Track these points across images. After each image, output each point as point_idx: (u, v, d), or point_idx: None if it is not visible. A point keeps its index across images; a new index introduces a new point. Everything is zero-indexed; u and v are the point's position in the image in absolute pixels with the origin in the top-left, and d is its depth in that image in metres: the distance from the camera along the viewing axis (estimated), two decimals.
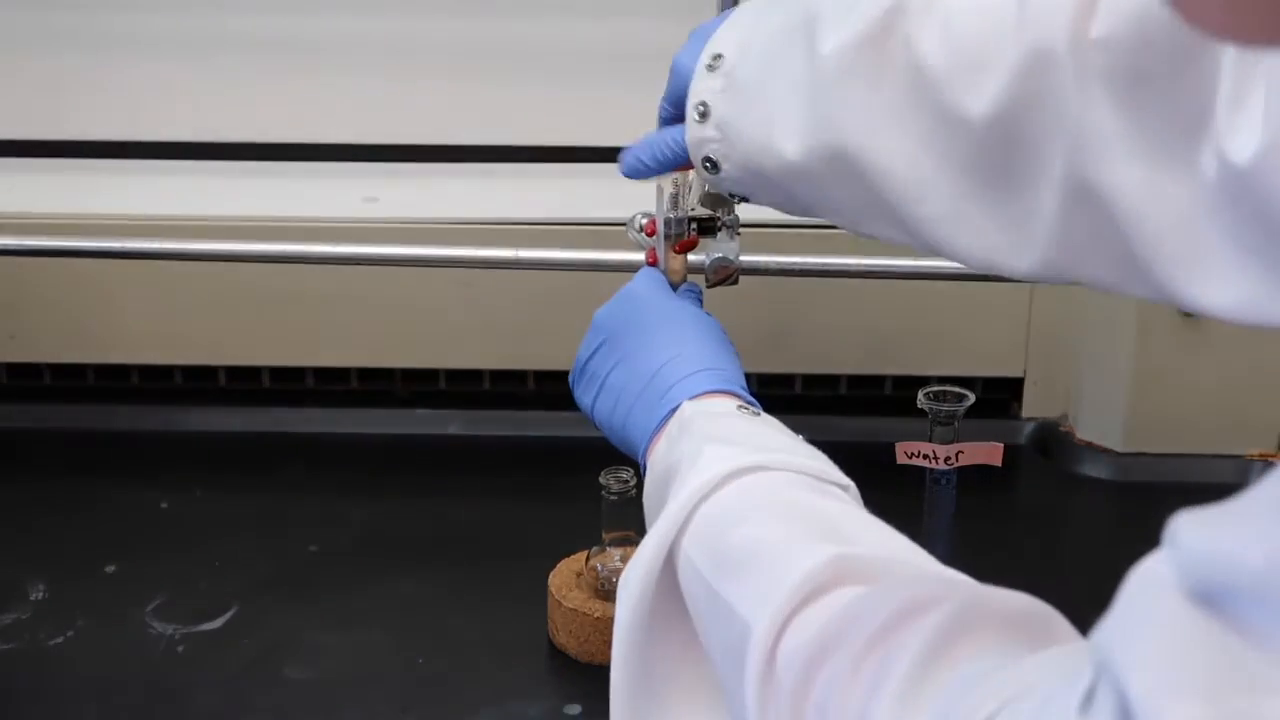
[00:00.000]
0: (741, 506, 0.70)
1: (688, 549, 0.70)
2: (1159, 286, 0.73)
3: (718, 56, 0.87)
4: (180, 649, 1.05)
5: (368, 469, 1.30)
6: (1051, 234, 0.76)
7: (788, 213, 0.90)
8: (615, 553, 1.05)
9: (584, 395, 0.89)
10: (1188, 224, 0.71)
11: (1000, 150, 0.76)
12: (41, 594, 1.11)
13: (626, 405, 0.84)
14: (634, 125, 1.28)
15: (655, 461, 0.80)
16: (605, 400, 0.86)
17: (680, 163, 0.90)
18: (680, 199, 0.95)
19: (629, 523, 1.04)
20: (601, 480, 1.03)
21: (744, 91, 0.85)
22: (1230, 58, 0.68)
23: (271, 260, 1.18)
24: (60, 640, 1.05)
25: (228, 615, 1.08)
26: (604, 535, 1.05)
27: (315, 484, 1.28)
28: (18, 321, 1.34)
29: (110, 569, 1.14)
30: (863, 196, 0.82)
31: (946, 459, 1.04)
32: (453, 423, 1.36)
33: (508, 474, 1.30)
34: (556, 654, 1.05)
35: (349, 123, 1.37)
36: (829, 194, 0.84)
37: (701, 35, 0.89)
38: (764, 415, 0.80)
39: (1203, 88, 0.68)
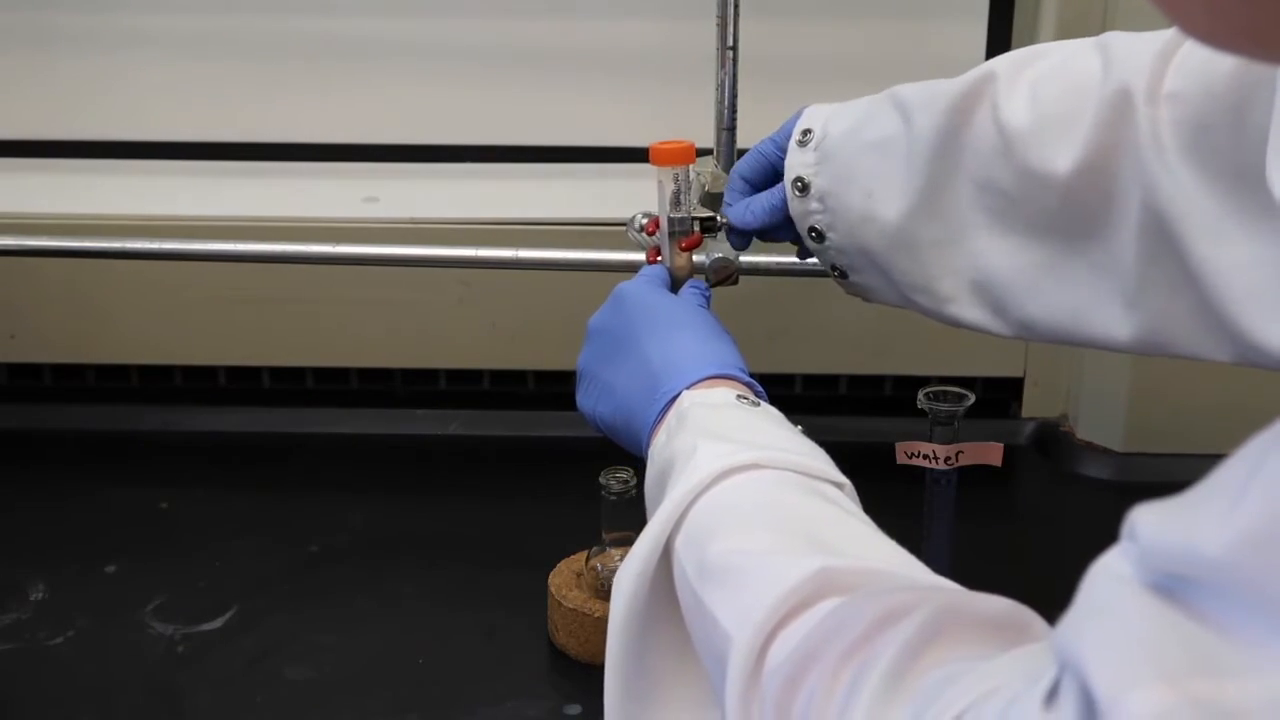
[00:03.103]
0: (731, 509, 0.70)
1: (679, 550, 0.70)
2: (1236, 332, 0.76)
3: (807, 132, 0.92)
4: (180, 649, 1.05)
5: (368, 469, 1.30)
6: (1131, 283, 0.81)
7: (887, 299, 0.94)
8: (615, 553, 1.05)
9: (586, 400, 0.89)
10: (1257, 264, 0.75)
11: (1083, 201, 0.81)
12: (41, 594, 1.11)
13: (627, 403, 0.85)
14: (634, 125, 1.28)
15: (655, 454, 0.80)
16: (606, 402, 0.87)
17: (783, 220, 0.94)
18: (681, 196, 0.94)
19: (629, 523, 1.04)
20: (601, 480, 1.03)
21: (838, 163, 0.91)
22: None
23: (271, 260, 1.18)
24: (60, 640, 1.05)
25: (228, 615, 1.08)
26: (604, 535, 1.05)
27: (315, 484, 1.28)
28: (18, 321, 1.34)
29: (110, 569, 1.14)
30: (953, 264, 0.88)
31: (946, 459, 1.04)
32: (453, 423, 1.36)
33: (508, 474, 1.30)
34: (556, 654, 1.05)
35: (349, 123, 1.37)
36: (927, 263, 0.89)
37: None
38: (764, 405, 0.81)
39: (1261, 134, 0.72)
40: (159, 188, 1.35)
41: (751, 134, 1.02)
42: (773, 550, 0.65)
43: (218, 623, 1.08)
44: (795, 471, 0.72)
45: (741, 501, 0.71)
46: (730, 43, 1.04)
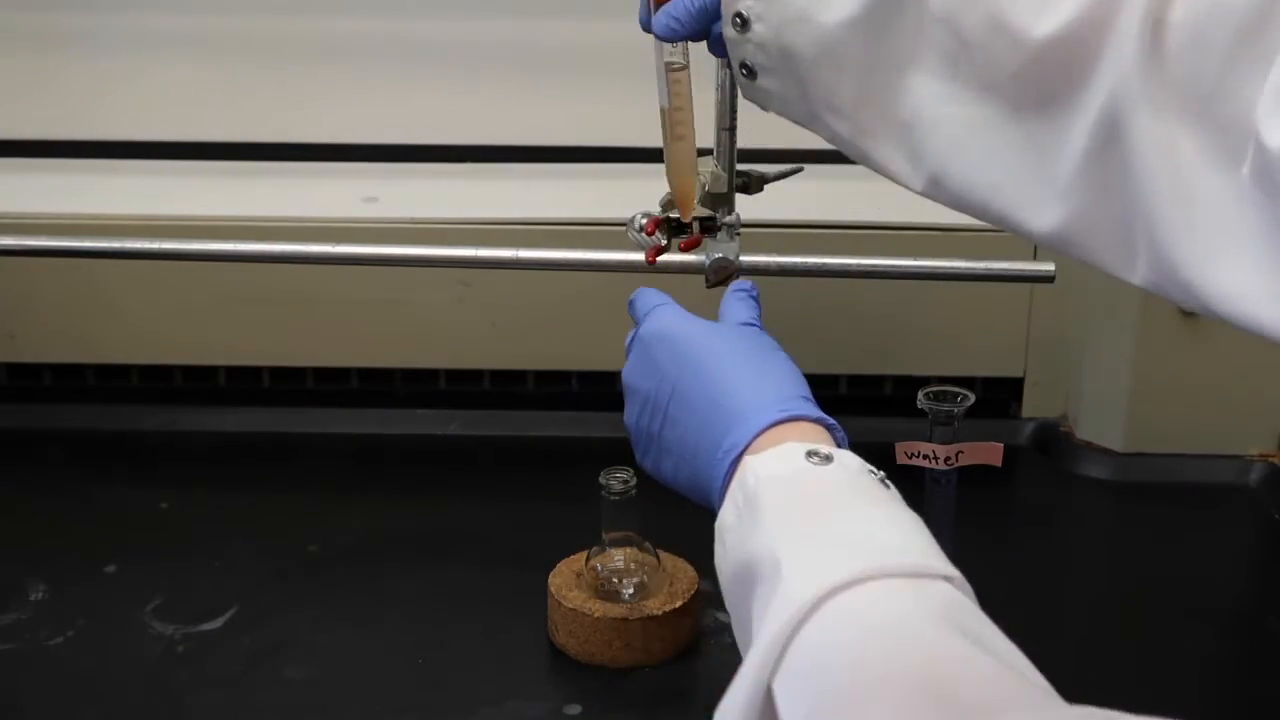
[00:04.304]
0: (841, 649, 0.61)
1: (782, 698, 0.62)
2: (1161, 261, 0.71)
3: None
4: (180, 649, 1.05)
5: (368, 469, 1.30)
6: (1068, 172, 0.74)
7: (791, 113, 0.86)
8: (615, 553, 1.05)
9: (645, 460, 0.83)
10: (1208, 200, 0.69)
11: (1047, 75, 0.74)
12: (41, 594, 1.11)
13: (687, 464, 0.78)
14: (634, 125, 1.28)
15: (726, 536, 0.72)
16: (666, 462, 0.81)
17: (713, 18, 0.85)
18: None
19: (629, 523, 1.04)
20: (601, 480, 1.03)
21: None
22: None
23: (271, 260, 1.18)
24: (60, 640, 1.05)
25: (228, 615, 1.08)
26: (604, 535, 1.05)
27: (315, 484, 1.28)
28: (18, 321, 1.34)
29: (110, 569, 1.14)
30: (881, 95, 0.80)
31: (946, 459, 1.04)
32: (453, 423, 1.36)
33: (508, 474, 1.30)
34: (556, 654, 1.05)
35: (349, 123, 1.37)
36: (852, 85, 0.81)
37: None
38: (838, 458, 0.72)
39: (1255, 69, 0.67)
40: (159, 188, 1.35)
41: (752, 134, 1.02)
42: (895, 709, 0.57)
43: (218, 623, 1.08)
44: (903, 576, 0.64)
45: (851, 639, 0.62)
46: None
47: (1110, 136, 0.72)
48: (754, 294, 0.88)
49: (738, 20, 0.83)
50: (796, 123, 0.86)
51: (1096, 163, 0.73)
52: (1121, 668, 1.03)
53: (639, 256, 0.99)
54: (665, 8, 0.87)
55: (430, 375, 1.37)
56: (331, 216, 1.29)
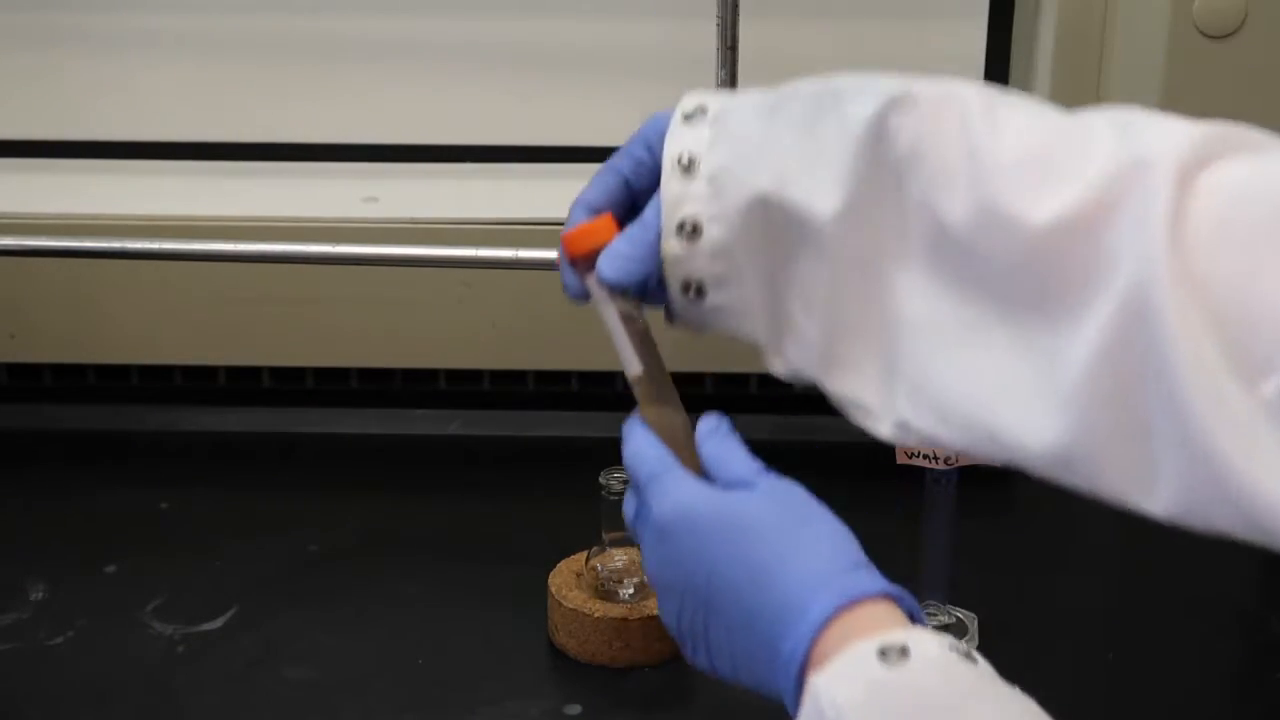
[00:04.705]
0: None
1: None
2: (1196, 472, 0.60)
3: (699, 109, 0.73)
4: (180, 649, 1.05)
5: (368, 469, 1.30)
6: (1079, 380, 0.63)
7: (745, 328, 0.74)
8: (615, 553, 1.05)
9: (697, 658, 0.71)
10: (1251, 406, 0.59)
11: (1048, 267, 0.64)
12: (41, 594, 1.11)
13: (745, 667, 0.68)
14: (634, 125, 1.27)
15: None
16: (721, 662, 0.70)
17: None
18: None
19: None
20: (601, 480, 1.03)
21: (745, 140, 0.71)
22: None
23: (271, 260, 1.18)
24: (60, 640, 1.05)
25: (228, 615, 1.08)
26: (604, 535, 1.05)
27: (315, 484, 1.28)
28: (18, 321, 1.34)
29: (110, 569, 1.14)
30: (860, 292, 0.69)
31: (946, 459, 1.04)
32: (453, 423, 1.36)
33: (508, 474, 1.30)
34: (556, 654, 1.05)
35: (349, 123, 1.37)
36: (840, 280, 0.70)
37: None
38: (913, 648, 0.62)
39: None
40: (159, 188, 1.35)
41: None
42: None
43: (218, 623, 1.08)
44: None
45: None
46: (730, 43, 1.04)
47: (1127, 336, 0.61)
48: (732, 428, 0.75)
49: (686, 230, 0.71)
50: (747, 340, 0.75)
51: (1108, 365, 0.62)
52: (1121, 667, 1.03)
53: None
54: (610, 249, 0.74)
55: (430, 375, 1.37)
56: (331, 216, 1.29)
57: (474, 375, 1.37)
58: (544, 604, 1.06)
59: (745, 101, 0.72)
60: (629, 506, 0.74)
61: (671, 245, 0.72)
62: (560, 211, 1.29)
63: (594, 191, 0.77)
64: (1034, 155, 0.65)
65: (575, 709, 0.99)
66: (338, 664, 1.03)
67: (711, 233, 0.71)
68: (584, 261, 0.75)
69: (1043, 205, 0.63)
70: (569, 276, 0.77)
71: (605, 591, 1.04)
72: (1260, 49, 1.18)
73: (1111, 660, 1.03)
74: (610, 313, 0.74)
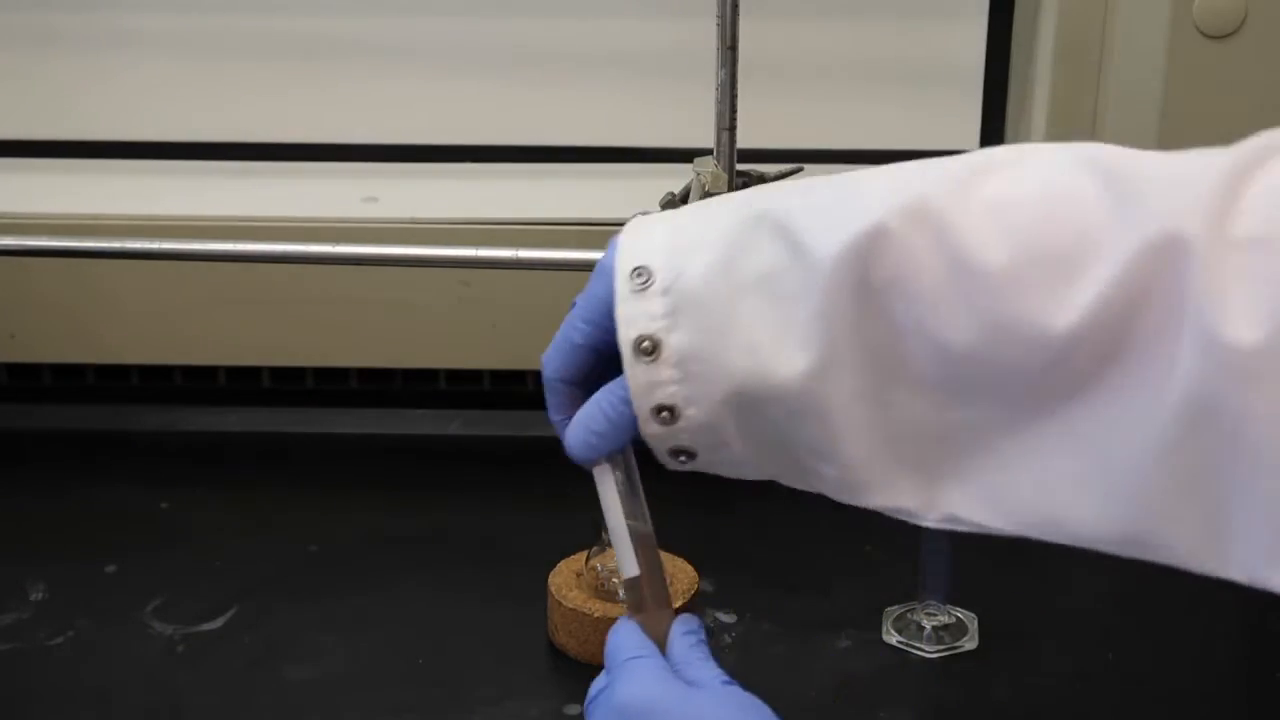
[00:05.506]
0: None
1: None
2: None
3: (638, 272, 0.66)
4: (180, 649, 1.05)
5: (368, 469, 1.30)
6: (1150, 468, 0.60)
7: (747, 475, 0.70)
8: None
9: None
10: None
11: (1085, 365, 0.60)
12: (41, 594, 1.11)
13: None
14: (634, 125, 1.28)
15: None
16: None
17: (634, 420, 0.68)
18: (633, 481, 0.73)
19: None
20: None
21: (706, 312, 0.65)
22: None
23: (271, 260, 1.18)
24: (60, 640, 1.05)
25: (228, 615, 1.08)
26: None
27: (315, 484, 1.28)
28: (18, 321, 1.34)
29: (110, 569, 1.14)
30: (887, 426, 0.65)
31: None
32: (453, 423, 1.36)
33: (508, 474, 1.30)
34: (556, 654, 1.05)
35: (349, 123, 1.37)
36: (841, 425, 0.65)
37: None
38: None
39: None
40: (158, 187, 1.35)
41: (752, 134, 1.02)
42: None
43: (218, 623, 1.08)
44: None
45: None
46: (730, 43, 1.04)
47: (1194, 430, 0.58)
48: (702, 634, 0.72)
49: (663, 414, 0.66)
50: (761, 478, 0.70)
51: (1176, 458, 0.59)
52: (1120, 665, 1.03)
53: None
54: (577, 419, 0.71)
55: (430, 375, 1.37)
56: (331, 216, 1.30)
57: (474, 375, 1.37)
58: (544, 604, 1.06)
59: (696, 261, 0.65)
60: (594, 687, 0.71)
61: (650, 428, 0.67)
62: (560, 211, 1.30)
63: (563, 365, 0.74)
64: (1029, 255, 0.60)
65: (575, 709, 0.99)
66: (338, 664, 1.03)
67: (690, 414, 0.66)
68: None
69: (1061, 314, 0.59)
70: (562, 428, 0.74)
71: (605, 591, 1.04)
72: (1260, 49, 1.18)
73: (1111, 660, 1.03)
74: (614, 513, 0.72)
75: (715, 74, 1.06)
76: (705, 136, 1.07)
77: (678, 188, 1.09)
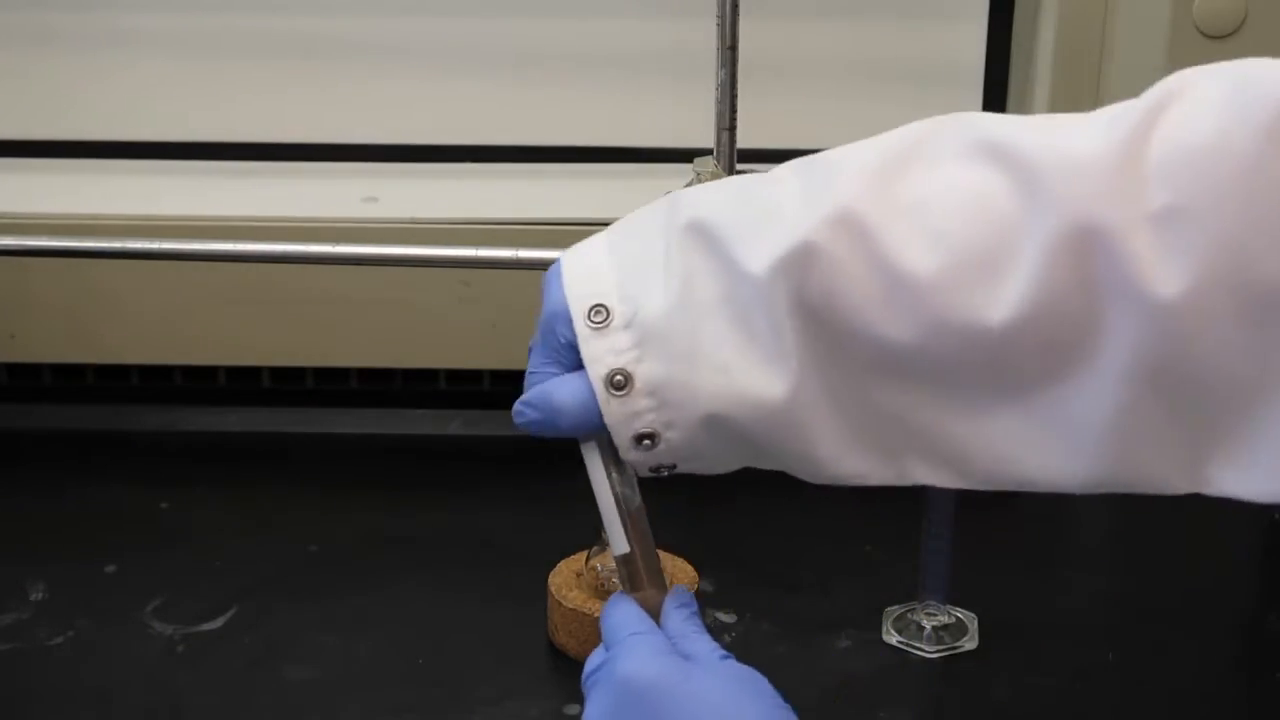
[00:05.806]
0: None
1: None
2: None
3: (596, 310, 0.68)
4: (180, 649, 1.05)
5: (368, 469, 1.30)
6: (1096, 433, 0.63)
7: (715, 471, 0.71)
8: None
9: None
10: None
11: (1028, 353, 0.63)
12: (41, 594, 1.11)
13: None
14: (634, 125, 1.28)
15: None
16: None
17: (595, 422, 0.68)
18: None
19: None
20: None
21: (671, 341, 0.66)
22: None
23: (271, 260, 1.18)
24: (60, 640, 1.05)
25: (228, 615, 1.08)
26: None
27: (315, 484, 1.28)
28: (18, 321, 1.34)
29: (110, 569, 1.14)
30: (854, 418, 0.67)
31: None
32: (453, 423, 1.36)
33: (508, 474, 1.30)
34: (556, 654, 1.05)
35: (349, 123, 1.37)
36: (814, 427, 0.67)
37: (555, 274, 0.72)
38: None
39: None
40: (158, 187, 1.35)
41: (752, 134, 1.02)
42: None
43: (218, 623, 1.08)
44: None
45: None
46: (730, 43, 1.04)
47: (1151, 385, 0.62)
48: (695, 607, 0.72)
49: (643, 441, 0.68)
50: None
51: (1131, 417, 0.63)
52: (1121, 665, 1.03)
53: None
54: (533, 393, 0.70)
55: (430, 375, 1.37)
56: (331, 216, 1.30)
57: (474, 375, 1.37)
58: (544, 604, 1.06)
59: (651, 291, 0.67)
60: (592, 662, 0.71)
61: (632, 454, 0.69)
62: (560, 211, 1.30)
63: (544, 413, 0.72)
64: (956, 259, 0.62)
65: (575, 709, 0.99)
66: (338, 664, 1.03)
67: (669, 436, 0.67)
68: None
69: (995, 311, 0.62)
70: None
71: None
72: (1260, 49, 1.18)
73: (1111, 660, 1.03)
74: (604, 491, 0.72)
75: (715, 74, 1.06)
76: (705, 136, 1.07)
77: (678, 188, 1.09)
